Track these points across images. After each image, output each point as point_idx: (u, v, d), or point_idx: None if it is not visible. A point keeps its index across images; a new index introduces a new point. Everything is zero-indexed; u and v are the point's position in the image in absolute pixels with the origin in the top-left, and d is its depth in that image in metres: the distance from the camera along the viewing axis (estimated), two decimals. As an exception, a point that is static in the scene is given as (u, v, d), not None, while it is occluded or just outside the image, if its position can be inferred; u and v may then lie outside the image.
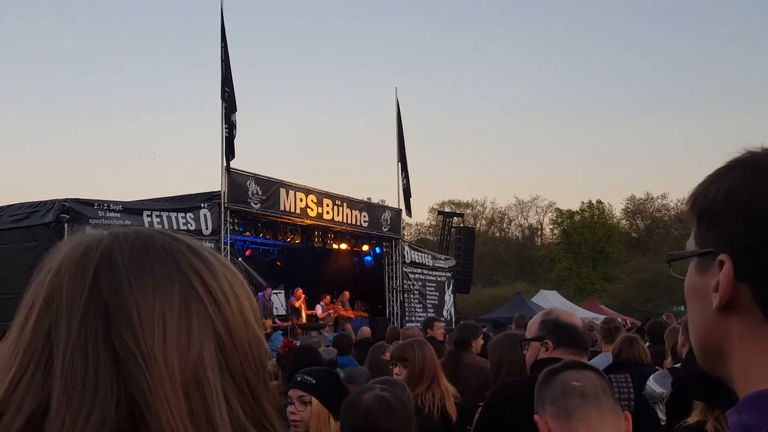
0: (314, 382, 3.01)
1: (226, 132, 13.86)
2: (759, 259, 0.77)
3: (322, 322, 16.35)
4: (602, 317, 26.17)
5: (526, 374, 2.85)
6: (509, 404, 2.65)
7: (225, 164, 13.76)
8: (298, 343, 7.71)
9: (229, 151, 13.80)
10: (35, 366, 0.65)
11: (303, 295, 16.53)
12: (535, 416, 1.85)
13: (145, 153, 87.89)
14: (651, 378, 4.16)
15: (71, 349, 0.64)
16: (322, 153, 76.18)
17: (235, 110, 14.17)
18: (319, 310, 16.69)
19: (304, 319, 16.11)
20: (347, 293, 17.45)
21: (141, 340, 0.66)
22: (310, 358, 4.83)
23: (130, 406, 0.64)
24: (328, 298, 16.91)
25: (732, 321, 0.80)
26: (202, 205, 13.66)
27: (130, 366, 0.65)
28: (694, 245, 0.86)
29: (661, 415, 3.95)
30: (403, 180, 20.11)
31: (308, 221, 16.27)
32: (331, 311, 16.67)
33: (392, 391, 2.59)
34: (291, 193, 15.56)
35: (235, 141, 13.77)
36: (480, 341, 5.97)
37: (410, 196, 20.24)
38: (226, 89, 14.12)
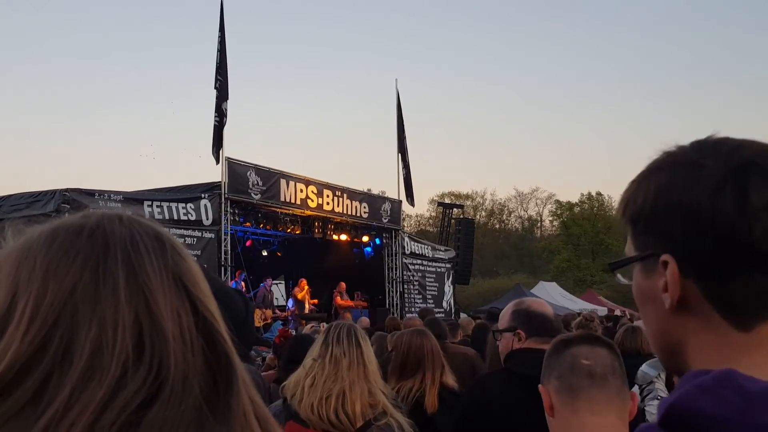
0: None
1: (216, 121, 13.85)
2: (699, 255, 0.78)
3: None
4: (602, 309, 26.32)
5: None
6: (488, 398, 2.66)
7: (213, 153, 13.78)
8: (293, 332, 7.72)
9: (218, 140, 13.80)
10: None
11: (307, 286, 16.54)
12: (540, 386, 1.82)
13: (146, 153, 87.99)
14: (645, 364, 4.19)
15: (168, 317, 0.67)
16: (323, 144, 76.29)
17: (227, 98, 14.14)
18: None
19: (306, 310, 16.11)
20: (343, 284, 17.42)
21: (210, 303, 0.71)
22: (305, 347, 4.78)
23: (208, 359, 0.68)
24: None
25: (686, 318, 0.81)
26: (203, 195, 13.63)
27: (211, 324, 0.70)
28: (633, 250, 0.86)
29: (662, 392, 4.00)
30: (403, 171, 20.12)
31: (308, 212, 16.26)
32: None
33: None
34: (291, 183, 15.56)
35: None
36: None
37: (411, 186, 20.23)
38: (219, 78, 14.08)
